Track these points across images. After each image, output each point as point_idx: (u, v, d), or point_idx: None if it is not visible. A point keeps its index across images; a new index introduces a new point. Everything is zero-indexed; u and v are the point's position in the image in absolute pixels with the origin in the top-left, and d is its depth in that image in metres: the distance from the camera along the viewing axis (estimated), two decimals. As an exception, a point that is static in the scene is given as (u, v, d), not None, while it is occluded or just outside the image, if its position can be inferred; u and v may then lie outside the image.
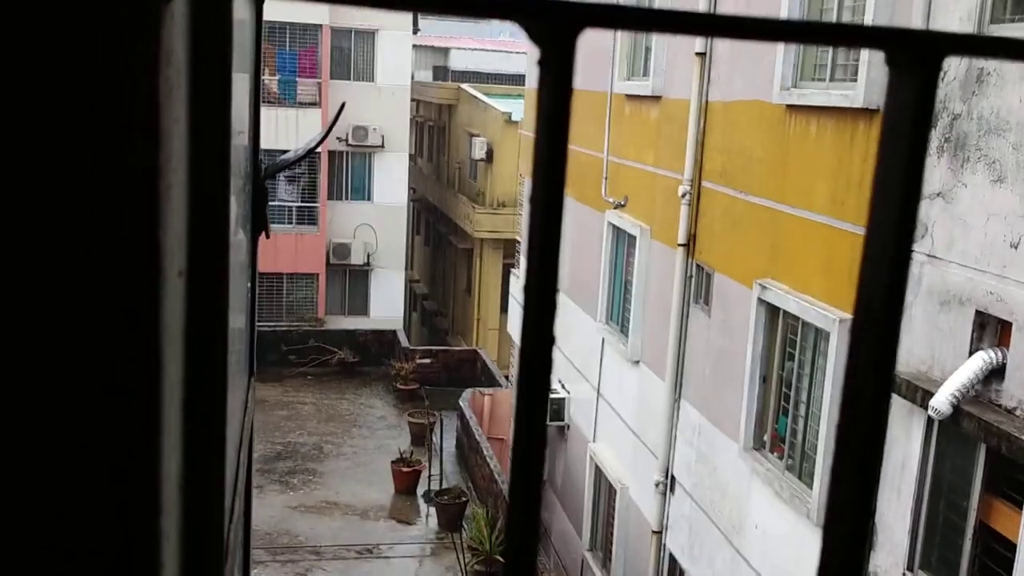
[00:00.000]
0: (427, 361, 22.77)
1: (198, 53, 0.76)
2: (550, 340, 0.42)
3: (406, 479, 17.36)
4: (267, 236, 1.95)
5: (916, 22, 6.77)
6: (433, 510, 16.64)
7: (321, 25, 24.79)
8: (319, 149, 24.59)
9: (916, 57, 0.44)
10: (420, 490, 17.40)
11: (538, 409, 0.43)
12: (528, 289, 0.41)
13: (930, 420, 6.51)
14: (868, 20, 7.31)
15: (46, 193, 0.54)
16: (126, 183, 0.55)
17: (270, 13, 27.71)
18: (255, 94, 1.89)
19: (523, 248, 17.88)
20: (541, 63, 0.39)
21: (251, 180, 1.80)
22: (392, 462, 17.65)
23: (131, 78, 0.54)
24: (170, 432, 0.71)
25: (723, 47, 9.88)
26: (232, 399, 1.34)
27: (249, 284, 1.89)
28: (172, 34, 0.62)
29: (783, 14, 8.48)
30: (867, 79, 7.29)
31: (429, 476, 17.21)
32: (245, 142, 1.72)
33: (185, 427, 0.81)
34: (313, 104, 24.90)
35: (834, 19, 8.05)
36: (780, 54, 8.53)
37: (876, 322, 0.47)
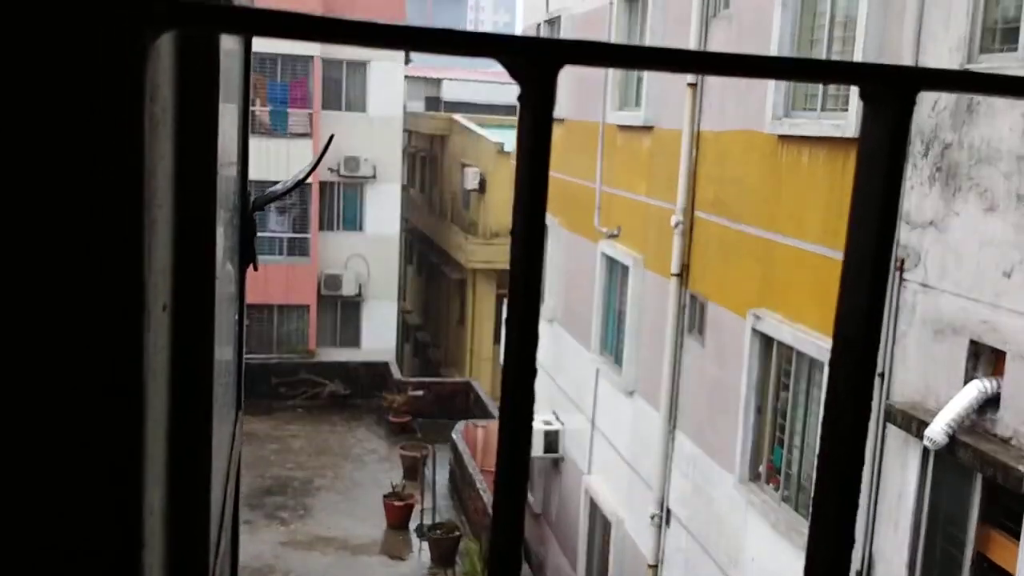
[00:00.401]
0: (419, 393, 22.65)
1: (185, 89, 0.76)
2: (532, 370, 0.42)
3: (398, 513, 17.20)
4: (255, 269, 1.92)
5: (906, 51, 6.81)
6: (426, 545, 16.47)
7: (312, 56, 24.93)
8: (310, 180, 24.63)
9: (890, 92, 0.45)
10: (413, 524, 17.23)
11: (522, 434, 0.44)
12: (510, 323, 0.41)
13: (926, 450, 6.47)
14: (858, 49, 7.36)
15: (28, 229, 0.54)
16: (109, 219, 0.56)
17: (261, 45, 27.83)
18: (243, 125, 1.87)
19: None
20: (521, 99, 0.40)
21: (239, 212, 1.79)
22: (384, 496, 17.49)
23: (116, 115, 0.54)
24: (154, 466, 0.70)
25: (715, 78, 9.93)
26: (219, 433, 1.31)
27: (237, 317, 1.87)
28: (158, 70, 0.63)
29: (774, 42, 8.54)
30: (858, 109, 7.32)
31: (422, 510, 17.05)
32: (233, 173, 1.71)
33: (170, 461, 0.80)
34: (304, 135, 24.98)
35: (824, 48, 8.11)
36: (771, 84, 8.58)
37: (854, 351, 0.48)
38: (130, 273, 0.57)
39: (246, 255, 1.85)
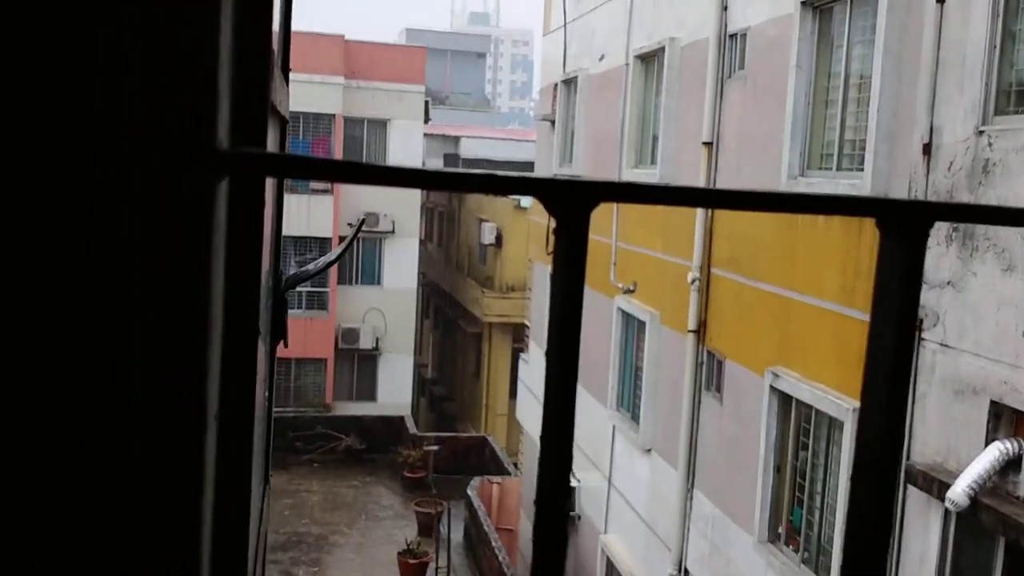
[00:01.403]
0: (435, 448, 22.53)
1: (235, 220, 0.80)
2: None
3: (413, 571, 17.00)
4: (285, 346, 1.96)
5: (920, 113, 6.86)
6: (440, 603, 16.26)
7: (334, 115, 25.31)
8: (329, 234, 24.84)
9: (904, 224, 0.47)
10: (427, 582, 17.03)
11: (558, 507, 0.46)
12: (544, 448, 0.43)
13: (947, 512, 6.37)
14: (872, 110, 7.42)
15: (107, 347, 0.57)
16: (179, 343, 0.59)
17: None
18: (278, 211, 1.92)
19: (530, 343, 17.57)
20: (557, 232, 0.44)
21: (272, 292, 1.82)
22: (398, 553, 17.32)
23: (187, 249, 0.58)
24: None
25: (730, 137, 10.02)
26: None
27: (267, 393, 1.89)
28: (219, 205, 0.68)
29: (788, 103, 8.62)
30: (873, 168, 7.37)
31: (436, 568, 16.86)
32: (267, 257, 1.74)
33: (213, 559, 0.82)
34: (325, 191, 25.26)
35: (839, 109, 8.17)
36: (787, 143, 8.65)
37: (874, 452, 0.49)
38: (194, 392, 0.60)
39: (277, 333, 1.88)
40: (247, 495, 0.91)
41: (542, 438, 0.45)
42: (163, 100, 0.56)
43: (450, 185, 0.43)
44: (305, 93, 24.56)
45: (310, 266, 2.76)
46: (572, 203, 0.43)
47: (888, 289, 0.48)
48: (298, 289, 25.61)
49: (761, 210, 0.47)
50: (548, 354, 0.43)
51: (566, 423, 0.44)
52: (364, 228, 25.90)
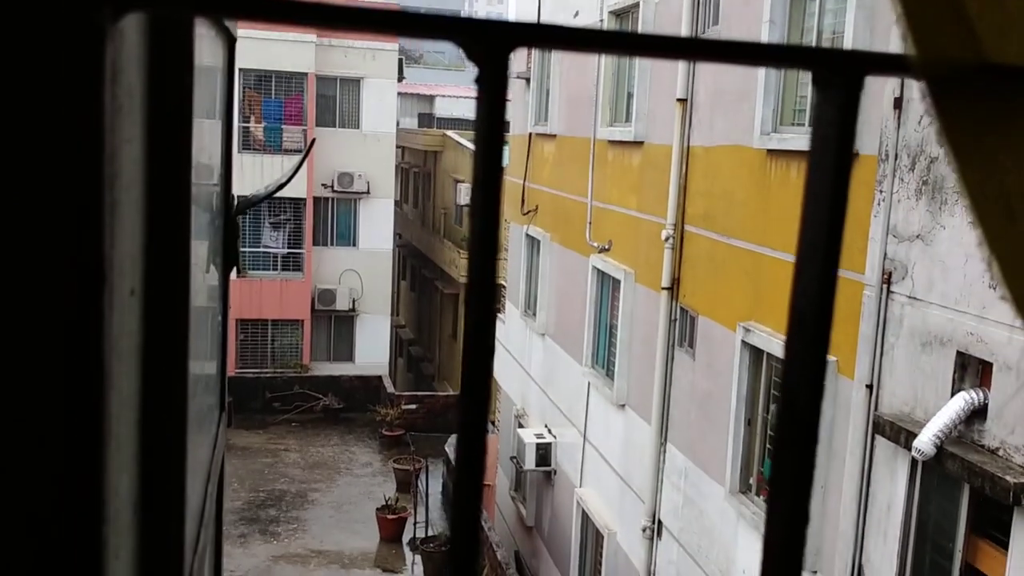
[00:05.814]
0: (412, 407, 22.64)
1: (156, 76, 0.76)
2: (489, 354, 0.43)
3: (391, 526, 17.17)
4: (239, 273, 1.95)
5: (895, 40, 6.88)
6: (419, 558, 16.44)
7: (307, 73, 25.01)
8: (304, 195, 24.68)
9: (839, 75, 0.46)
10: (406, 538, 17.20)
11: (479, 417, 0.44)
12: (469, 297, 0.42)
13: (914, 461, 6.50)
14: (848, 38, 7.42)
15: None
16: (67, 195, 0.55)
17: (256, 62, 27.51)
18: (227, 131, 1.90)
19: (507, 303, 17.60)
20: (477, 80, 0.42)
21: (223, 215, 1.81)
22: (377, 509, 17.46)
23: (72, 94, 0.53)
24: (120, 450, 0.70)
25: (704, 93, 10.01)
26: (198, 428, 1.32)
27: (220, 317, 1.89)
28: (122, 54, 0.62)
29: (760, 77, 8.60)
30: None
31: (415, 523, 17.03)
32: (216, 178, 1.73)
33: (141, 444, 0.80)
34: (299, 151, 25.03)
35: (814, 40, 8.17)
36: (760, 100, 8.66)
37: (807, 334, 0.48)
38: (90, 250, 0.56)
39: (230, 258, 1.87)
40: (183, 377, 0.89)
41: (464, 338, 0.44)
42: None
43: (350, 24, 0.42)
44: (277, 52, 24.24)
45: (261, 190, 2.73)
46: (490, 44, 0.41)
47: (825, 144, 0.46)
48: (273, 251, 25.47)
49: (693, 59, 0.46)
50: (471, 213, 0.43)
51: (488, 299, 0.43)
52: (340, 189, 25.74)
